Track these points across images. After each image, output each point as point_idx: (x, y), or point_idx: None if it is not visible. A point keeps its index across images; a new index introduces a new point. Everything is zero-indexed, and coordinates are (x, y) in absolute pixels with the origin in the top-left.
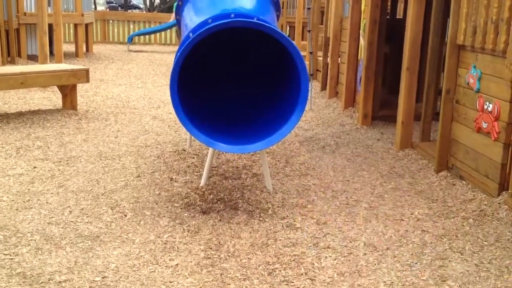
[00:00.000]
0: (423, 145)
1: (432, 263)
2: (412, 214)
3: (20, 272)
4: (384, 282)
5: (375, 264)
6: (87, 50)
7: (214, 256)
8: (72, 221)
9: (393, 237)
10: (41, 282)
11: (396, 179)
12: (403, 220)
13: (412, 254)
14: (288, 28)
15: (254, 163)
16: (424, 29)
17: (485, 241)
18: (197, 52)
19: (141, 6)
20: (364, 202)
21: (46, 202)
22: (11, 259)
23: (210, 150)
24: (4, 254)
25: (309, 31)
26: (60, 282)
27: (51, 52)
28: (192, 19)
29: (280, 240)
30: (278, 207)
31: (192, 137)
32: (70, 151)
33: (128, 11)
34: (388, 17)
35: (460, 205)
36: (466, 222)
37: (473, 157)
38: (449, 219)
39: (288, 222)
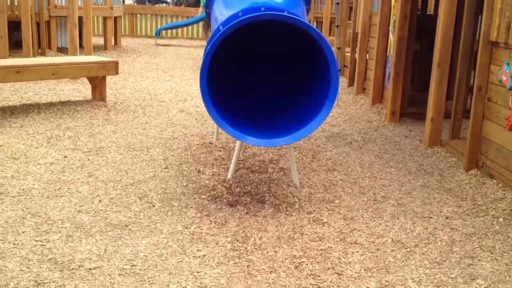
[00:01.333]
0: (453, 143)
1: (461, 261)
2: (441, 212)
3: (51, 258)
4: (412, 279)
5: (403, 260)
6: (116, 43)
7: (240, 248)
8: (101, 210)
9: (422, 234)
10: (72, 269)
11: (425, 177)
12: (431, 217)
13: (440, 252)
14: (315, 23)
15: (280, 158)
16: (455, 25)
17: None
18: (226, 46)
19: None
20: (392, 198)
21: (77, 191)
22: (43, 245)
23: (238, 143)
24: (36, 241)
25: (337, 26)
26: (90, 269)
27: (80, 45)
28: (222, 12)
29: (306, 234)
30: (304, 201)
31: (219, 130)
32: (99, 142)
33: (156, 5)
34: (418, 12)
35: (490, 203)
36: (496, 221)
37: (505, 155)
38: (479, 217)
39: (314, 216)
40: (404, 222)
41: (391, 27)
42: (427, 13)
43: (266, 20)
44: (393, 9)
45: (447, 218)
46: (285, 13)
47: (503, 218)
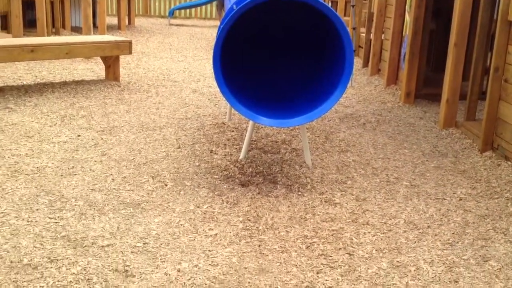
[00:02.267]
0: (468, 124)
1: (474, 243)
2: (454, 193)
3: (64, 236)
4: (424, 260)
5: (415, 241)
6: (129, 23)
7: (252, 228)
8: (114, 189)
9: (434, 215)
10: (85, 246)
11: (439, 158)
12: (445, 199)
13: (453, 233)
14: (330, 3)
15: (293, 138)
16: (473, 5)
17: None
18: (240, 27)
19: None
20: (405, 180)
21: (90, 170)
22: (56, 222)
23: (250, 123)
24: (50, 218)
25: (352, 6)
26: (103, 246)
27: (94, 24)
28: None
29: (318, 214)
30: (317, 182)
31: (232, 111)
32: (112, 121)
33: None
34: None
35: (504, 185)
36: (511, 203)
37: None
38: (493, 199)
39: (327, 197)
40: (417, 204)
41: (407, 7)
42: None
43: (281, 0)
44: None
45: (460, 199)
46: None
47: None
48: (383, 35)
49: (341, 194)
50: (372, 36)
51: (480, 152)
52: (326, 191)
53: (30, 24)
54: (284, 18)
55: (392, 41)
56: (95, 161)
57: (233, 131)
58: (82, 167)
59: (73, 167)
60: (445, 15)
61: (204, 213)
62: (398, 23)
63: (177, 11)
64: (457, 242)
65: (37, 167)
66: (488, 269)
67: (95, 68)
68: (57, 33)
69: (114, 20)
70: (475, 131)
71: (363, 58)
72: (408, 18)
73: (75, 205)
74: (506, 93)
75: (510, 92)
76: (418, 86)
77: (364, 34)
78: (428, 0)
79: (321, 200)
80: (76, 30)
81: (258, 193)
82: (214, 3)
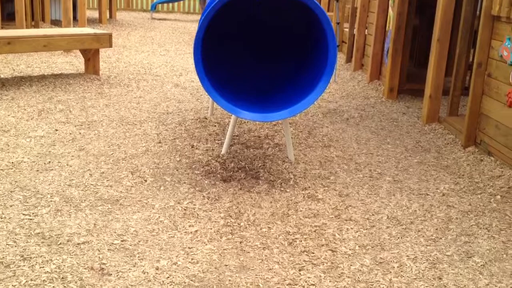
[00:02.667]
0: (451, 120)
1: (458, 238)
2: (437, 189)
3: (39, 233)
4: (408, 256)
5: (398, 237)
6: (111, 16)
7: (234, 224)
8: (92, 184)
9: (418, 211)
10: (60, 243)
11: (422, 153)
12: (428, 194)
13: (437, 229)
14: None
15: (276, 133)
16: (456, 1)
17: None
18: (222, 19)
19: None
20: (388, 175)
21: (67, 165)
22: (30, 219)
23: (232, 118)
24: (24, 214)
25: (337, 1)
26: (79, 244)
27: (74, 18)
28: None
29: (301, 210)
30: (300, 177)
31: (214, 105)
32: (91, 115)
33: None
34: None
35: (487, 181)
36: (494, 199)
37: (504, 132)
38: (476, 195)
39: (309, 193)
40: (400, 199)
41: (391, 2)
42: None
43: None
44: None
45: (443, 195)
46: None
47: (501, 196)
48: (366, 30)
49: (324, 190)
50: (355, 31)
51: (463, 147)
52: (309, 187)
53: (8, 17)
54: (267, 11)
55: (375, 36)
56: (73, 156)
57: (215, 125)
58: (59, 162)
59: (49, 162)
60: (429, 10)
61: (185, 209)
62: (381, 18)
63: (160, 5)
64: (441, 238)
65: (12, 162)
66: (472, 265)
67: (75, 62)
68: (36, 26)
69: (95, 14)
70: (458, 126)
71: (347, 53)
72: (391, 13)
73: (51, 201)
74: (489, 88)
75: (493, 87)
76: (401, 82)
77: (347, 29)
78: None
79: (303, 196)
80: (56, 23)
81: (240, 189)
82: None
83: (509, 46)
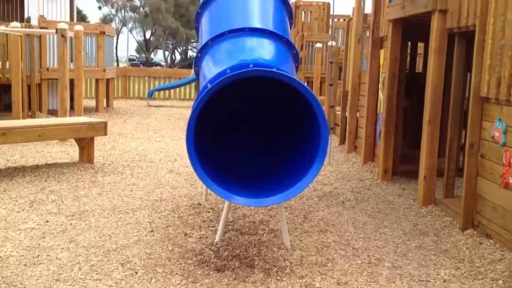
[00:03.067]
0: (447, 202)
1: None
2: (438, 274)
3: None
4: None
5: None
6: (108, 105)
7: None
8: (81, 278)
9: None
10: None
11: (420, 237)
12: (429, 281)
13: None
14: (306, 83)
15: (271, 218)
16: (445, 82)
17: None
18: (214, 105)
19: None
20: (387, 261)
21: (56, 258)
22: None
23: (226, 204)
24: None
25: (330, 85)
26: None
27: (71, 107)
28: (210, 69)
29: None
30: (296, 265)
31: (208, 191)
32: (83, 205)
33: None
34: (407, 71)
35: (488, 265)
36: (496, 284)
37: (501, 214)
38: (478, 280)
39: (307, 281)
40: (401, 287)
41: (380, 85)
42: (416, 71)
43: (255, 77)
44: (382, 67)
45: (444, 281)
46: (274, 70)
47: (503, 281)
48: (358, 113)
49: (322, 278)
50: (347, 113)
51: (461, 230)
52: (306, 275)
53: (6, 108)
54: (261, 96)
55: (367, 119)
56: (62, 248)
57: (209, 211)
58: (48, 255)
59: (38, 255)
60: (417, 93)
61: None
62: (372, 101)
63: (157, 92)
64: None
65: (0, 257)
66: None
67: (69, 151)
68: (33, 116)
69: (93, 103)
70: (454, 208)
71: (340, 135)
72: (381, 96)
73: None
74: (483, 169)
75: (487, 168)
76: (395, 163)
77: (339, 112)
78: (400, 79)
79: (300, 285)
80: (53, 113)
81: (235, 279)
82: (193, 84)
83: (500, 126)
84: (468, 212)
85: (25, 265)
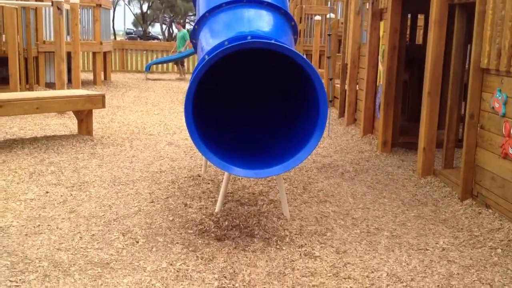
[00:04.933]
0: (446, 172)
1: None
2: (437, 243)
3: None
4: None
5: None
6: (105, 78)
7: (228, 285)
8: (82, 248)
9: (418, 267)
10: None
11: (419, 207)
12: (427, 249)
13: (438, 286)
14: (305, 56)
15: (271, 189)
16: (445, 54)
17: None
18: (213, 77)
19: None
20: (386, 230)
21: (57, 228)
22: (17, 286)
23: (226, 175)
24: (10, 281)
25: (328, 57)
26: None
27: (69, 80)
28: (208, 42)
29: (298, 269)
30: (295, 234)
31: (208, 163)
32: (83, 176)
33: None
34: (407, 43)
35: (487, 234)
36: (494, 252)
37: (500, 184)
38: (476, 249)
39: (306, 250)
40: (399, 255)
41: (380, 58)
42: (416, 43)
43: (253, 48)
44: (382, 39)
45: (443, 250)
46: (273, 41)
47: (501, 249)
48: (357, 86)
49: (321, 247)
50: (346, 86)
51: (460, 200)
52: (306, 244)
53: (3, 81)
54: (260, 68)
55: (366, 91)
56: (63, 218)
57: (208, 183)
58: (48, 225)
59: (39, 225)
60: (418, 65)
61: (177, 271)
62: (371, 73)
63: (154, 65)
64: None
65: (1, 227)
66: None
67: (68, 123)
68: (30, 89)
69: (91, 76)
70: (453, 179)
71: (339, 108)
72: (381, 68)
73: (39, 266)
74: (482, 139)
75: (487, 139)
76: (394, 135)
77: (339, 85)
78: (400, 51)
79: (300, 254)
80: (51, 86)
81: (235, 248)
82: (191, 58)
83: (500, 97)
84: (467, 182)
85: (26, 235)
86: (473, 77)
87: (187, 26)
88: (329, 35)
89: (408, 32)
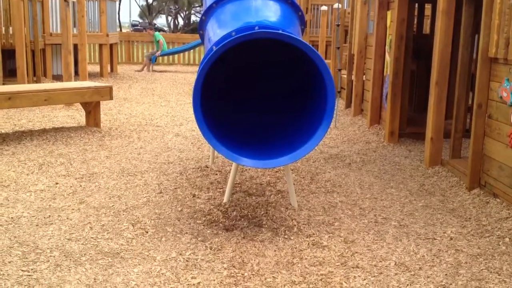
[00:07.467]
0: (454, 162)
1: (468, 284)
2: (444, 233)
3: None
4: None
5: (407, 284)
6: (112, 70)
7: (237, 274)
8: (92, 238)
9: (426, 256)
10: None
11: (427, 197)
12: (435, 239)
13: (446, 275)
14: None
15: (278, 180)
16: (452, 44)
17: None
18: (220, 68)
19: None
20: (394, 220)
21: (67, 218)
22: (29, 275)
23: (233, 165)
24: (22, 271)
25: (337, 48)
26: None
27: (76, 72)
28: (215, 32)
29: (306, 258)
30: (303, 224)
31: (215, 154)
32: (92, 168)
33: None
34: (414, 33)
35: (495, 223)
36: (502, 242)
37: (508, 173)
38: (484, 238)
39: (314, 240)
40: (407, 244)
41: (387, 48)
42: (423, 33)
43: (260, 39)
44: (389, 29)
45: (451, 239)
46: (280, 31)
47: (509, 238)
48: (364, 76)
49: (329, 236)
50: (353, 77)
51: (468, 189)
52: (314, 234)
53: (10, 74)
54: (267, 59)
55: (373, 82)
56: (73, 209)
57: (216, 174)
58: (59, 216)
59: (49, 216)
60: (425, 55)
61: (187, 261)
62: (378, 63)
63: (160, 57)
64: (451, 284)
65: (12, 217)
66: None
67: (76, 115)
68: (38, 81)
69: (97, 68)
70: (461, 168)
71: (346, 99)
72: (388, 58)
73: (50, 256)
74: (490, 129)
75: (495, 128)
76: (401, 125)
77: (345, 76)
78: (407, 41)
79: (308, 243)
80: (58, 78)
81: (243, 238)
82: (197, 49)
83: (508, 87)
84: (475, 172)
85: (36, 225)
86: (481, 66)
87: (193, 18)
88: (337, 25)
89: (415, 22)
